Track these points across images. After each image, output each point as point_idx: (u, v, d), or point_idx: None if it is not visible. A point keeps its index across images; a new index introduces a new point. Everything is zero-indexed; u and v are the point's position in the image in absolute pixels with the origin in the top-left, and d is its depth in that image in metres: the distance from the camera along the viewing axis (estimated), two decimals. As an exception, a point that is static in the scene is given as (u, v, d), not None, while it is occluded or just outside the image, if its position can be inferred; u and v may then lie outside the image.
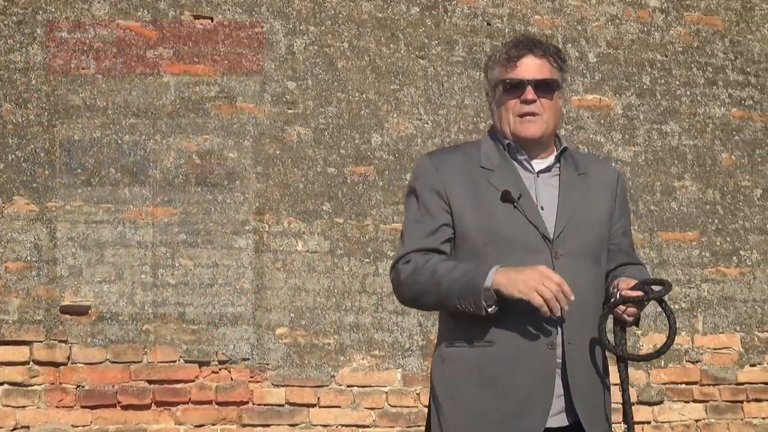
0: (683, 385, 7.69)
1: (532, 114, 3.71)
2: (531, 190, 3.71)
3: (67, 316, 6.52)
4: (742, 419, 7.78)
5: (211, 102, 6.91)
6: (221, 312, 6.77)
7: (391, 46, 7.35)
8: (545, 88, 3.72)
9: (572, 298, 3.51)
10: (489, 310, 3.55)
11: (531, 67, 3.71)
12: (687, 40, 8.05)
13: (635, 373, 7.57)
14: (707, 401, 7.72)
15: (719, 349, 7.79)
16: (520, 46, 3.74)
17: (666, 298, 3.67)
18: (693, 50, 8.05)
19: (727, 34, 8.16)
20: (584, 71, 7.76)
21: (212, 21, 6.99)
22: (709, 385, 7.73)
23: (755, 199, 8.02)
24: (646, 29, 7.96)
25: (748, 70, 8.16)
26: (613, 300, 3.66)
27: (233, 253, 6.83)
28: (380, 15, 7.36)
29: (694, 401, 7.69)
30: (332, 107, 7.16)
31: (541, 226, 3.64)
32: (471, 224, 3.66)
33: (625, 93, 7.83)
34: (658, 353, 3.77)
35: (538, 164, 3.76)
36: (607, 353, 3.73)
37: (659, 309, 7.57)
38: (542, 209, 3.68)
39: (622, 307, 3.66)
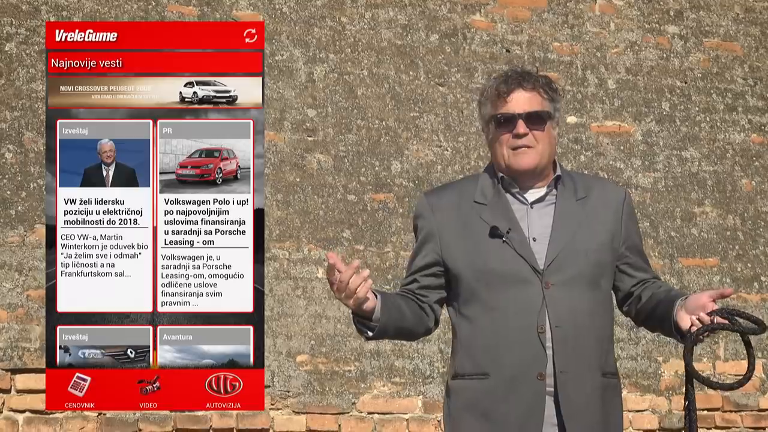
0: (705, 412, 7.65)
1: (525, 146, 3.76)
2: (523, 221, 3.76)
3: (89, 343, 6.53)
4: (764, 446, 7.75)
5: (231, 130, 6.93)
6: (242, 339, 6.77)
7: (411, 73, 7.37)
8: (536, 120, 3.77)
9: (354, 263, 3.61)
10: (368, 333, 3.72)
11: (521, 101, 3.77)
12: (706, 66, 8.05)
13: (656, 400, 7.55)
14: (729, 428, 7.69)
15: (741, 375, 7.75)
16: (509, 80, 3.80)
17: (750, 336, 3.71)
18: (712, 76, 8.05)
19: (747, 59, 8.16)
20: (603, 98, 7.77)
21: (232, 49, 7.02)
22: (731, 411, 7.70)
23: (776, 224, 8.00)
24: (665, 55, 7.97)
25: (768, 95, 8.16)
26: (703, 327, 3.67)
27: (254, 280, 6.84)
28: (399, 42, 7.39)
29: (717, 428, 7.66)
30: (352, 134, 7.18)
31: (531, 258, 3.70)
32: (462, 263, 3.75)
33: (644, 119, 7.83)
34: (740, 384, 3.85)
35: (532, 195, 3.81)
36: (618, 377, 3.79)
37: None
38: (534, 240, 3.73)
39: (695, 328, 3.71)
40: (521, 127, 3.76)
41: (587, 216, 3.79)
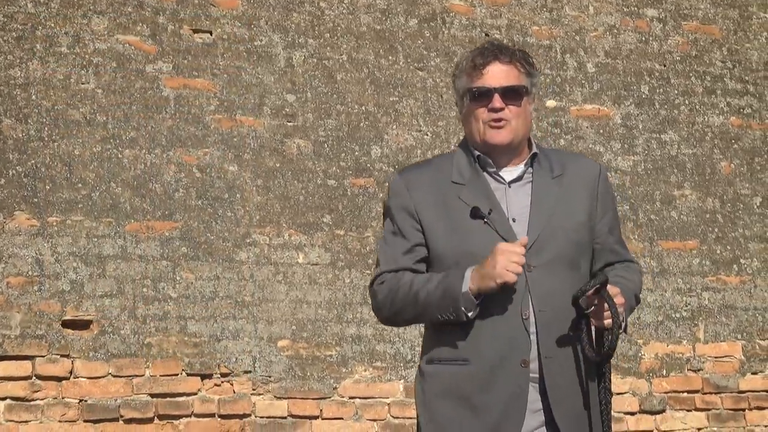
0: (685, 394, 7.69)
1: (501, 121, 3.65)
2: (502, 202, 3.65)
3: (69, 330, 6.53)
4: (744, 427, 7.78)
5: (210, 115, 6.93)
6: (223, 325, 6.78)
7: (390, 58, 7.37)
8: (513, 94, 3.66)
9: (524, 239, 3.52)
10: (470, 314, 3.55)
11: (497, 75, 3.66)
12: (685, 50, 8.07)
13: (637, 382, 7.57)
14: (709, 410, 7.72)
15: (721, 357, 7.80)
16: (485, 53, 3.69)
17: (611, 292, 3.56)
18: (691, 59, 8.07)
19: (725, 42, 8.18)
20: (583, 81, 7.78)
21: (211, 35, 7.01)
22: (711, 393, 7.74)
23: (755, 207, 8.03)
24: (644, 39, 7.98)
25: (747, 78, 8.18)
26: (577, 295, 3.57)
27: (234, 266, 6.84)
28: (379, 27, 7.38)
29: (697, 410, 7.69)
30: (332, 119, 7.17)
31: (513, 240, 3.57)
32: (443, 243, 3.63)
33: (623, 102, 7.85)
34: (607, 353, 3.63)
35: (509, 173, 3.71)
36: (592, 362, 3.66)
37: (659, 318, 7.60)
38: (514, 221, 3.63)
39: (591, 306, 3.58)
40: (497, 101, 3.64)
41: (564, 195, 3.69)
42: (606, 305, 3.56)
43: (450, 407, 3.60)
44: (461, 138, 3.89)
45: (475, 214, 3.61)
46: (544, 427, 3.58)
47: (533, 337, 3.56)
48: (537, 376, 3.57)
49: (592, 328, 3.63)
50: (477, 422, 3.56)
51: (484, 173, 3.70)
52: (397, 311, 3.72)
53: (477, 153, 3.70)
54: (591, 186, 3.75)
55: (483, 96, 3.66)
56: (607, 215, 3.78)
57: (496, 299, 3.56)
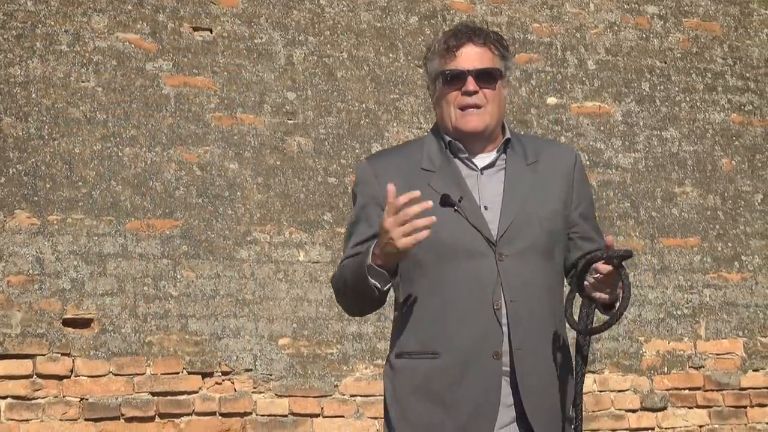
0: (687, 391, 7.68)
1: (475, 106, 3.53)
2: (474, 189, 3.52)
3: (70, 329, 6.52)
4: (745, 424, 7.78)
5: (211, 113, 6.92)
6: (224, 323, 6.77)
7: (390, 55, 7.37)
8: (487, 78, 3.54)
9: (426, 222, 3.30)
10: (383, 287, 3.43)
11: (471, 57, 3.53)
12: (686, 46, 8.06)
13: (638, 380, 7.57)
14: (711, 407, 7.72)
15: (722, 354, 7.79)
16: (458, 34, 3.55)
17: (627, 266, 3.45)
18: (692, 56, 8.06)
19: (726, 39, 8.17)
20: (583, 78, 7.77)
21: (211, 33, 7.01)
22: (712, 390, 7.73)
23: (756, 204, 8.02)
24: (644, 36, 7.97)
25: (747, 75, 8.17)
26: (579, 266, 3.47)
27: (235, 264, 6.84)
28: (379, 25, 7.37)
29: (698, 407, 7.69)
30: (332, 117, 7.17)
31: (484, 229, 3.47)
32: None
33: (624, 100, 7.84)
34: (609, 324, 3.49)
35: (482, 160, 3.57)
36: (570, 354, 3.57)
37: (661, 315, 7.59)
38: (485, 209, 3.50)
39: (591, 280, 3.45)
40: (471, 84, 3.51)
41: (538, 182, 3.57)
42: (620, 279, 3.43)
43: (421, 404, 3.47)
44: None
45: (445, 201, 3.47)
46: (516, 424, 3.46)
47: (505, 329, 3.44)
48: (508, 369, 3.44)
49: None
50: (449, 419, 3.44)
51: (456, 160, 3.57)
52: (343, 300, 3.62)
53: (448, 139, 3.58)
54: (566, 173, 3.63)
55: (456, 79, 3.53)
56: (583, 203, 3.66)
57: (466, 289, 3.45)
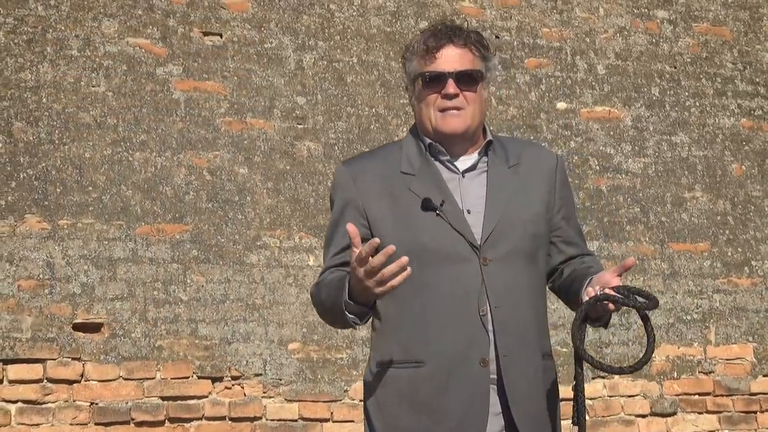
0: (697, 396, 7.67)
1: (455, 108, 3.43)
2: (456, 193, 3.43)
3: (80, 333, 6.53)
4: (755, 430, 7.76)
5: (221, 118, 6.93)
6: (234, 328, 6.77)
7: (400, 60, 7.36)
8: (468, 80, 3.44)
9: (403, 259, 3.17)
10: (362, 322, 3.36)
11: (451, 58, 3.44)
12: (696, 51, 8.05)
13: (648, 385, 7.56)
14: (721, 412, 7.71)
15: (732, 359, 7.78)
16: (438, 35, 3.47)
17: (650, 314, 3.42)
18: (702, 61, 8.06)
19: (736, 44, 8.16)
20: (593, 83, 7.77)
21: (221, 37, 7.02)
22: (722, 395, 7.72)
23: (766, 209, 8.01)
24: (654, 40, 7.97)
25: (757, 80, 8.16)
26: (592, 297, 3.33)
27: (245, 268, 6.84)
28: (389, 29, 7.38)
29: (708, 412, 7.68)
30: (342, 122, 7.17)
31: (467, 233, 3.37)
32: (392, 238, 3.32)
33: (634, 104, 7.84)
34: (633, 369, 3.45)
35: (463, 163, 3.48)
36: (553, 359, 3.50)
37: (670, 320, 7.58)
38: (468, 213, 3.41)
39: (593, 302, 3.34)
40: (451, 86, 3.42)
41: (520, 185, 3.48)
42: (645, 329, 3.42)
43: (407, 413, 3.36)
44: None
45: (427, 206, 3.38)
46: (504, 431, 3.37)
47: (491, 335, 3.35)
48: (495, 377, 3.36)
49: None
50: (437, 427, 3.34)
51: (436, 162, 3.47)
52: (324, 316, 3.51)
53: (428, 141, 3.48)
54: (548, 176, 3.54)
55: (436, 81, 3.44)
56: (565, 206, 3.58)
57: (449, 294, 3.36)
